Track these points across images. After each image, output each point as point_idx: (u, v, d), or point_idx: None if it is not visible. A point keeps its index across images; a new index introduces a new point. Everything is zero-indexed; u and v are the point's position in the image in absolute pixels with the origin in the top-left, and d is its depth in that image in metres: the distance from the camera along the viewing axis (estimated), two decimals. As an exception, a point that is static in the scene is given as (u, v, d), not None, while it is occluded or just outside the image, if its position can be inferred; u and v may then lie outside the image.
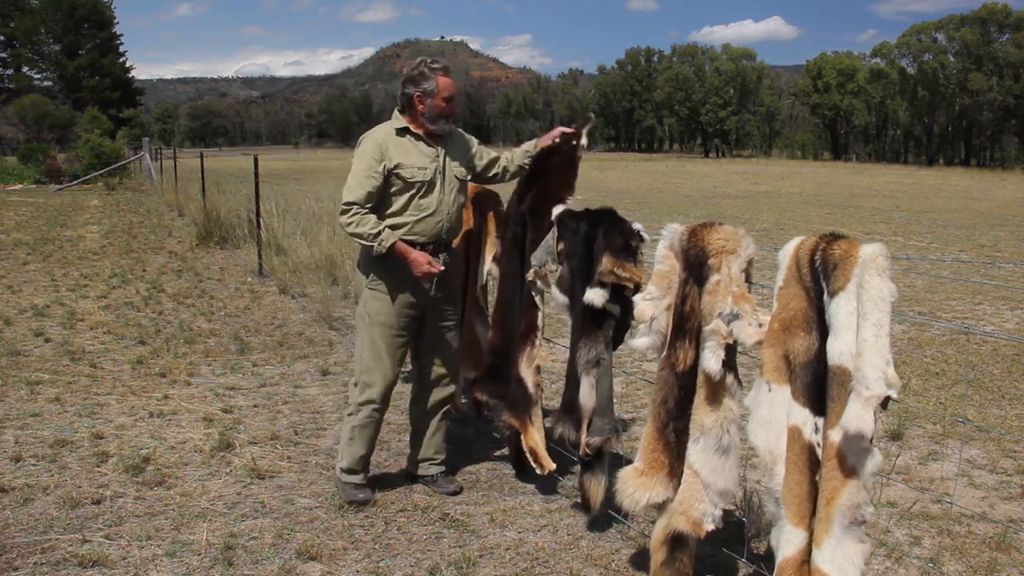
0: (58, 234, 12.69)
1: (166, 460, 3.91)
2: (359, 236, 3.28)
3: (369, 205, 3.30)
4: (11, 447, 4.01)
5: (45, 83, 60.25)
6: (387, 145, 3.33)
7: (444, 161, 3.41)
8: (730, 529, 3.18)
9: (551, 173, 3.53)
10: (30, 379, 5.11)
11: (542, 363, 3.56)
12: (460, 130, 3.58)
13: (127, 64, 62.29)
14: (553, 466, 3.48)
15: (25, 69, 60.08)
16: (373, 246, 3.27)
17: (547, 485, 3.68)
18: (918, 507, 3.45)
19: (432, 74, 3.38)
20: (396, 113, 3.46)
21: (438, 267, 3.34)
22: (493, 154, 3.69)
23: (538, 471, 3.49)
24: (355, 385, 3.48)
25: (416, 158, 3.35)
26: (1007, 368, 5.67)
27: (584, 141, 3.58)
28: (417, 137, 3.38)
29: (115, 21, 61.10)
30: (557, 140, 3.57)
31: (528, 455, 3.50)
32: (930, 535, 3.22)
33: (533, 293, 3.48)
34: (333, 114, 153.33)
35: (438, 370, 3.60)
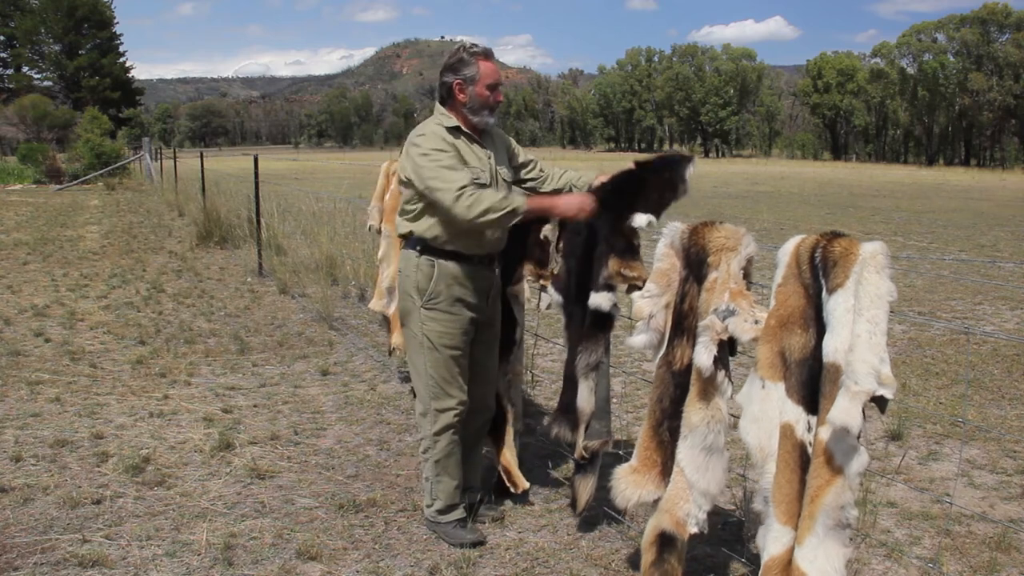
0: (58, 234, 12.69)
1: (166, 460, 3.90)
2: (488, 212, 2.83)
3: (475, 183, 2.92)
4: (11, 447, 4.01)
5: (45, 83, 60.44)
6: (451, 141, 2.99)
7: (493, 164, 3.10)
8: (730, 529, 3.18)
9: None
10: (30, 379, 5.11)
11: (516, 377, 3.38)
12: (497, 128, 3.20)
13: (127, 64, 62.45)
14: (526, 485, 3.40)
15: (25, 69, 60.23)
16: (509, 213, 2.86)
17: (547, 485, 3.67)
18: (918, 507, 3.45)
19: (472, 59, 3.01)
20: (438, 107, 3.10)
21: (591, 203, 2.95)
22: (528, 155, 3.35)
23: (512, 490, 3.41)
24: (424, 416, 3.13)
25: (475, 161, 3.02)
26: (1007, 368, 5.67)
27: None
28: (470, 139, 3.05)
29: (115, 21, 61.29)
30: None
31: (503, 475, 3.43)
32: (930, 535, 3.22)
33: (513, 306, 3.32)
34: (333, 114, 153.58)
35: (480, 392, 3.27)
